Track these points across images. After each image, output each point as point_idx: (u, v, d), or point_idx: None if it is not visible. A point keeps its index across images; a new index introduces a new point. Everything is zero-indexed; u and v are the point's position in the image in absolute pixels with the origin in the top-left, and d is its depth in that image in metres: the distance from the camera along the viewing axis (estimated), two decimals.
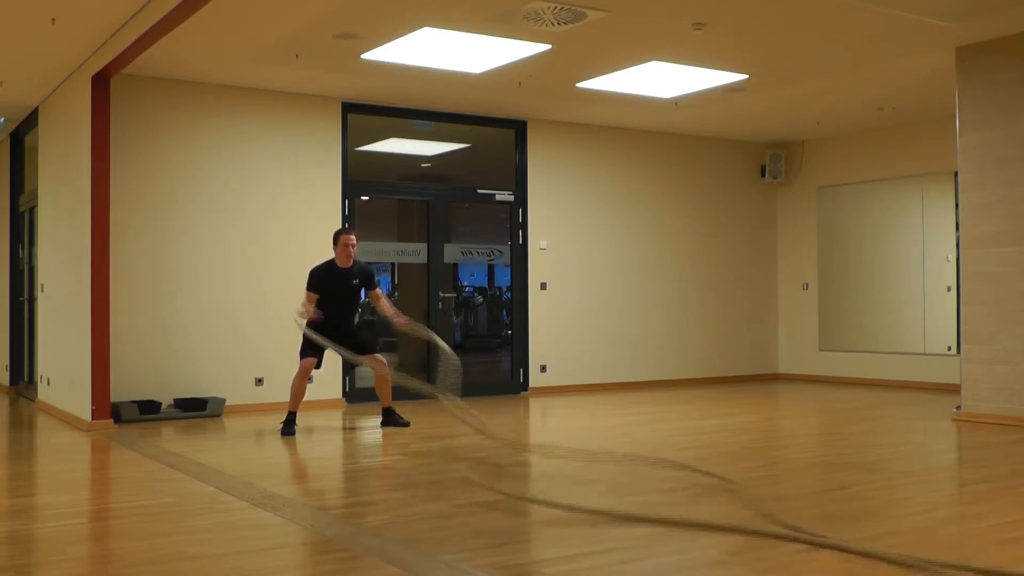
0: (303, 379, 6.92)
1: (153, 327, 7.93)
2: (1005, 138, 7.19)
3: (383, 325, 7.23)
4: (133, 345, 7.82)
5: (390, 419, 7.18)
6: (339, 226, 8.69)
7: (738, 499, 4.48)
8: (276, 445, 6.52)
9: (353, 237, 7.01)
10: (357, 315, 7.14)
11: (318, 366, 7.03)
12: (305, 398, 8.26)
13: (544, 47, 7.08)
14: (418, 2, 6.16)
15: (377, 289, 7.15)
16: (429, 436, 6.85)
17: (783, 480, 5.23)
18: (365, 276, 7.09)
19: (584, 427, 7.50)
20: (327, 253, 7.17)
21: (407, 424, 7.17)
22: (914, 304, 10.32)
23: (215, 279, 8.20)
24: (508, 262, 9.98)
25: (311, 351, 6.90)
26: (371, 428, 7.35)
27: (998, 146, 7.23)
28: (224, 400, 8.00)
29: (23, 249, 10.21)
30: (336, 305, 6.95)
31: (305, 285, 6.98)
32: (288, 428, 6.86)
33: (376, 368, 7.07)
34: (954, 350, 9.41)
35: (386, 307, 7.00)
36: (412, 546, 3.72)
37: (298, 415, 6.97)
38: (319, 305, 6.94)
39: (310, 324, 6.95)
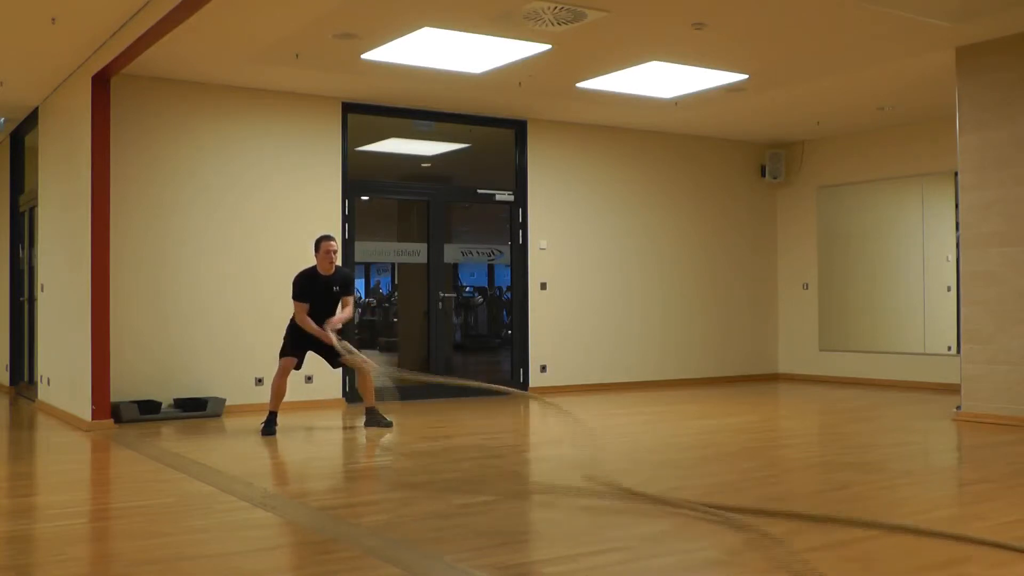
0: (283, 378, 6.99)
1: (153, 327, 7.93)
2: (1005, 138, 7.19)
3: (382, 325, 7.24)
4: (133, 345, 7.82)
5: (373, 419, 7.20)
6: (337, 227, 8.71)
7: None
8: (276, 445, 6.52)
9: (334, 243, 7.08)
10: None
11: (298, 367, 7.11)
12: (305, 398, 8.31)
13: (544, 47, 7.07)
14: (418, 2, 6.16)
15: (351, 297, 7.28)
16: (429, 436, 6.85)
17: (783, 480, 5.22)
18: (345, 283, 7.19)
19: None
20: None
21: (390, 424, 7.20)
22: (914, 304, 10.32)
23: (215, 279, 8.20)
24: (508, 262, 9.98)
25: (291, 350, 7.03)
26: (369, 429, 7.34)
27: (998, 146, 7.23)
28: (224, 400, 8.00)
29: (23, 249, 10.21)
30: (318, 311, 7.02)
31: (292, 295, 7.03)
32: (268, 428, 6.89)
33: (360, 368, 7.14)
34: (954, 350, 9.41)
35: (342, 318, 7.10)
36: (412, 546, 3.72)
37: (298, 415, 6.98)
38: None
39: (292, 331, 7.02)
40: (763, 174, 11.29)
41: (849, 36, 6.95)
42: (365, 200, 9.38)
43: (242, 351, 8.22)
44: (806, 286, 11.22)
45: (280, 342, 7.12)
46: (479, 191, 9.84)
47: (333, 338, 6.90)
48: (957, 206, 7.63)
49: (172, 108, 8.07)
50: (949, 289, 9.62)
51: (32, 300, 9.71)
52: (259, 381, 8.20)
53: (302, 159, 8.61)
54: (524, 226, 9.85)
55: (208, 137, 8.22)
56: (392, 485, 5.22)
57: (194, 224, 8.13)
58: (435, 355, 9.53)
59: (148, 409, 7.68)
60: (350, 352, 6.89)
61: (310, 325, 6.94)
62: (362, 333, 9.88)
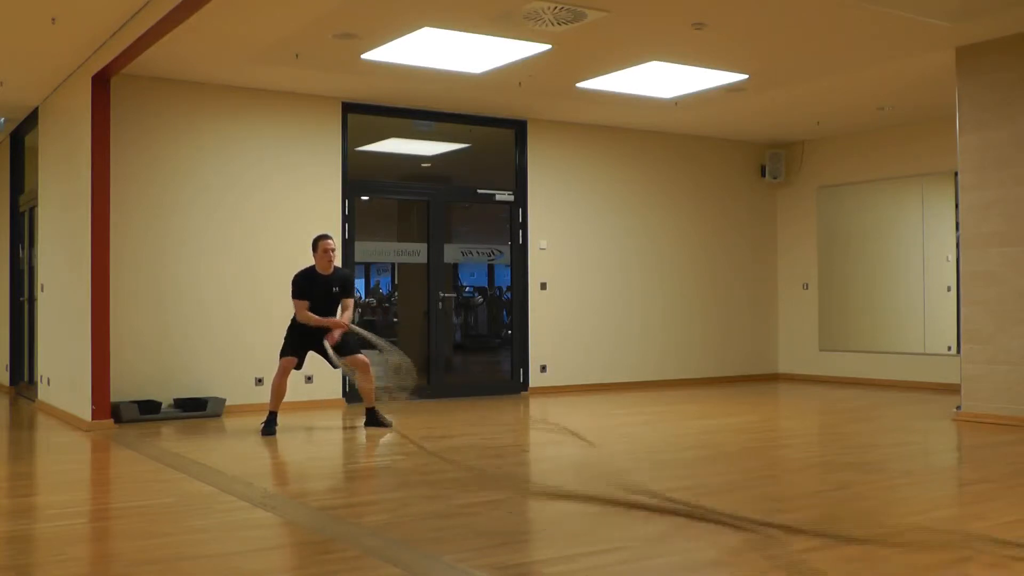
0: (283, 378, 6.97)
1: (153, 327, 7.93)
2: (1005, 138, 7.19)
3: (382, 325, 7.24)
4: (133, 345, 7.82)
5: (373, 419, 7.20)
6: (336, 227, 8.72)
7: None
8: (276, 445, 6.52)
9: (332, 242, 7.06)
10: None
11: (298, 366, 7.10)
12: (305, 398, 8.31)
13: (544, 47, 7.07)
14: (418, 2, 6.16)
15: (351, 300, 7.22)
16: (429, 437, 6.85)
17: (783, 480, 5.23)
18: (345, 283, 7.16)
19: (584, 427, 7.48)
20: None
21: (390, 424, 7.19)
22: (914, 304, 10.32)
23: (215, 279, 8.20)
24: (508, 262, 9.99)
25: (291, 350, 7.01)
26: (369, 429, 7.34)
27: (998, 146, 7.23)
28: (224, 400, 8.00)
29: (23, 249, 10.21)
30: (318, 312, 7.00)
31: (291, 293, 7.02)
32: (269, 428, 6.88)
33: (360, 368, 7.13)
34: (954, 350, 9.41)
35: (345, 319, 7.02)
36: (412, 546, 3.72)
37: (298, 415, 6.98)
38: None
39: (292, 331, 7.00)
40: (763, 174, 11.29)
41: (849, 36, 6.95)
42: (365, 200, 9.38)
43: (242, 351, 8.22)
44: (806, 286, 11.22)
45: (280, 342, 7.12)
46: (479, 191, 9.84)
47: (336, 339, 6.89)
48: (957, 206, 7.63)
49: (172, 108, 8.07)
50: (949, 289, 9.62)
51: (32, 300, 9.71)
52: (259, 381, 8.20)
53: (302, 159, 8.61)
54: (524, 226, 9.85)
55: (208, 137, 8.22)
56: (392, 485, 5.22)
57: (194, 224, 8.13)
58: (435, 355, 9.53)
59: (148, 409, 7.68)
60: (341, 359, 6.89)
61: (313, 319, 6.92)
62: (344, 335, 9.87)
